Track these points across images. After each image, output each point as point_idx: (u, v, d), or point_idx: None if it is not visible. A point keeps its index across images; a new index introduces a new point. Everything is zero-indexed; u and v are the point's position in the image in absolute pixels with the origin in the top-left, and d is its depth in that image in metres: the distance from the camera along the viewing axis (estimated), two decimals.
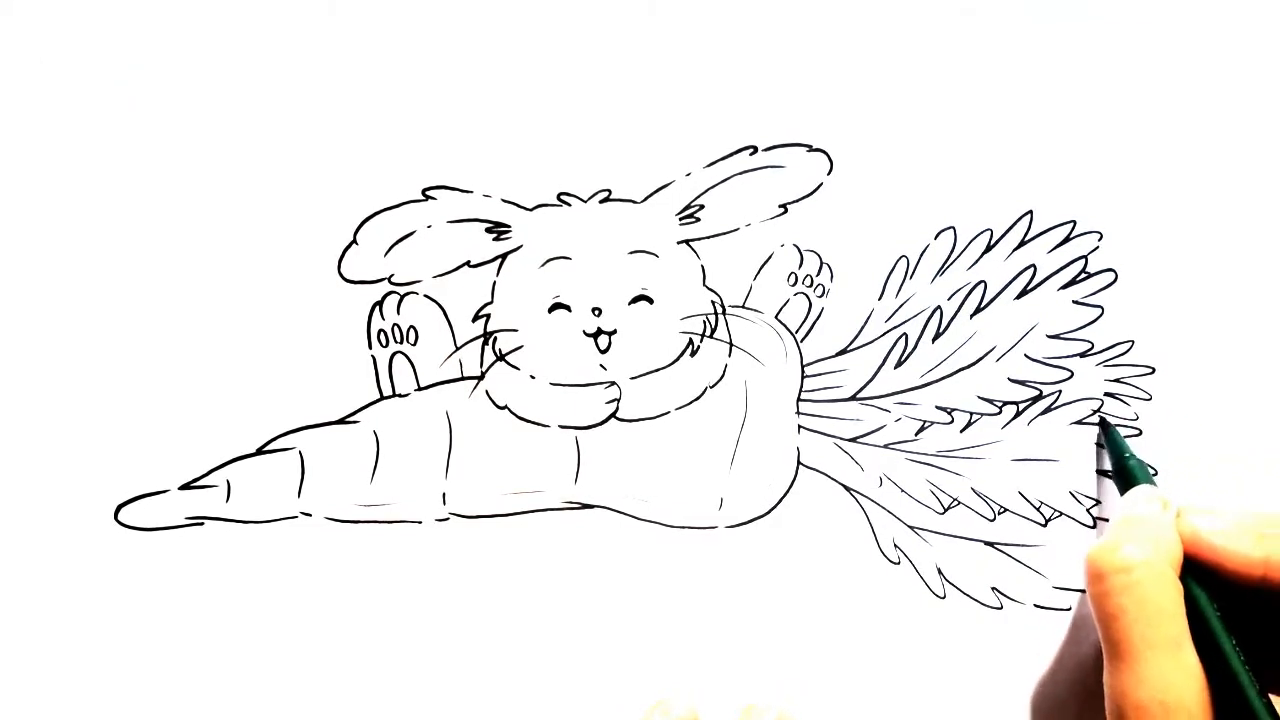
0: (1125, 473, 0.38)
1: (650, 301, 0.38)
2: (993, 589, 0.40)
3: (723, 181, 0.38)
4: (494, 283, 0.38)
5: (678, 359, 0.39)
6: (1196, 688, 0.32)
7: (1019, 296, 0.40)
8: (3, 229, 0.36)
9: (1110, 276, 0.39)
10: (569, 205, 0.38)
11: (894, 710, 0.39)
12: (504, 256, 0.38)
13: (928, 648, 0.40)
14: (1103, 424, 0.40)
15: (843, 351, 0.39)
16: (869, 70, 0.38)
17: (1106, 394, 0.40)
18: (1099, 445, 0.40)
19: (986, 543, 0.40)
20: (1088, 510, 0.40)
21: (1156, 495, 0.36)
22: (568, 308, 0.38)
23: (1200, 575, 0.34)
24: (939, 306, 0.39)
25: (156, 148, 0.37)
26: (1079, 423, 0.40)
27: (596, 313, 0.38)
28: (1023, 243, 0.39)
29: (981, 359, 0.40)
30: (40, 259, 0.37)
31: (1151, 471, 0.38)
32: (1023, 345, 0.40)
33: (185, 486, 0.37)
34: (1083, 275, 0.39)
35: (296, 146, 0.37)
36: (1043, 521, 0.40)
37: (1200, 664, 0.32)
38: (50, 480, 0.37)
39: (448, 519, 0.38)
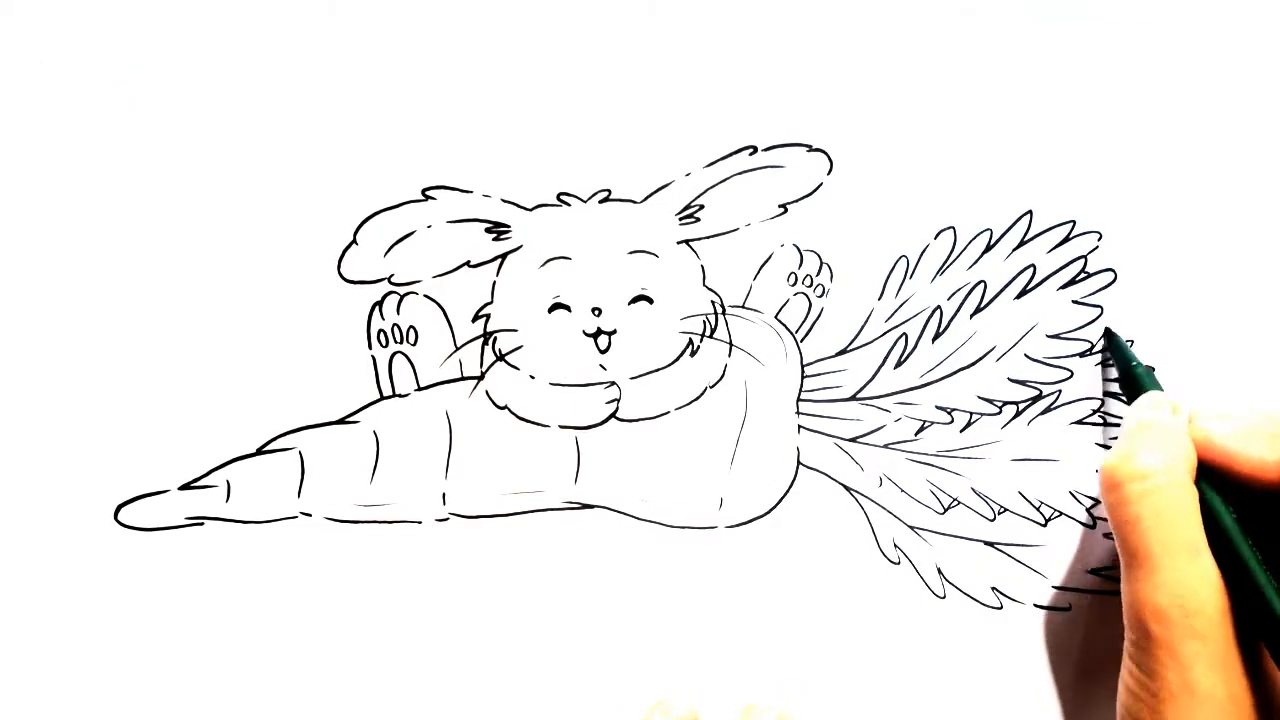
0: (1133, 380, 0.37)
1: (650, 301, 0.38)
2: (993, 589, 0.40)
3: (722, 181, 0.38)
4: (494, 283, 0.38)
5: (678, 359, 0.39)
6: (1215, 592, 0.32)
7: (1019, 296, 0.40)
8: (3, 229, 0.36)
9: (1110, 276, 0.39)
10: (569, 205, 0.38)
11: (894, 710, 0.39)
12: (504, 256, 0.38)
13: (928, 648, 0.40)
14: (1107, 334, 0.39)
15: (843, 351, 0.39)
16: (869, 70, 0.38)
17: (1106, 394, 0.40)
18: (1099, 444, 0.40)
19: (986, 543, 0.40)
20: (1088, 510, 0.40)
21: (1166, 401, 0.36)
22: (568, 308, 0.38)
23: (1213, 480, 0.34)
24: (939, 306, 0.39)
25: (156, 148, 0.37)
26: (1079, 423, 0.40)
27: (596, 313, 0.38)
28: (1022, 242, 0.39)
29: (981, 359, 0.40)
30: (40, 259, 0.37)
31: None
32: (1023, 345, 0.40)
33: (185, 486, 0.37)
34: (1082, 275, 0.39)
35: (297, 146, 0.37)
36: (1043, 521, 0.40)
37: (1218, 569, 0.32)
38: (50, 480, 0.37)
39: (448, 519, 0.38)
